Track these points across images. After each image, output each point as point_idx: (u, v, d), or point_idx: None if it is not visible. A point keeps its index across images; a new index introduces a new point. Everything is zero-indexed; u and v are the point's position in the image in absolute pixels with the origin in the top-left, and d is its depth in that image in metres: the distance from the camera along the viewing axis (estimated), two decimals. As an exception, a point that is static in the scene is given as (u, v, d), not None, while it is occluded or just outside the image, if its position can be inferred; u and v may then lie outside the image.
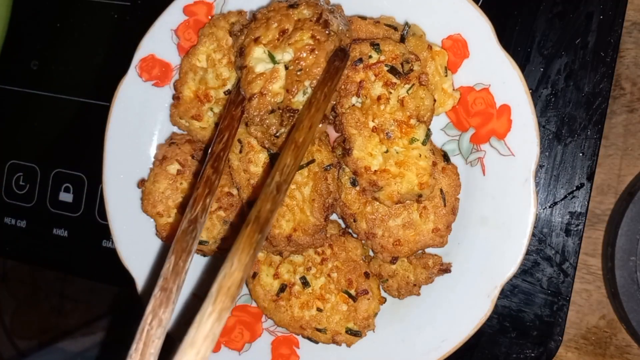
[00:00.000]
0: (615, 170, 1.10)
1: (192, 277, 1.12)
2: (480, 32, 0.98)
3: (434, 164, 0.95)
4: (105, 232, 1.29)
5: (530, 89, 1.02)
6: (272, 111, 0.92)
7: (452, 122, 1.02)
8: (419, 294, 1.02)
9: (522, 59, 1.07)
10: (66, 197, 1.34)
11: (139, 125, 1.14)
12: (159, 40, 1.12)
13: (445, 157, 0.99)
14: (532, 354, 1.07)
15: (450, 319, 1.01)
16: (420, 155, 0.92)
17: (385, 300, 1.03)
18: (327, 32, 0.89)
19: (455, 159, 1.01)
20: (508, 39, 1.07)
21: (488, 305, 0.98)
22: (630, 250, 1.02)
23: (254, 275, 1.03)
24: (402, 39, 0.96)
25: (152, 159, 1.13)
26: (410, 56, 0.92)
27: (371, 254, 1.05)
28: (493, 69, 0.97)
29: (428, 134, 0.92)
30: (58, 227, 1.34)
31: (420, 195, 0.94)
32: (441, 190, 0.98)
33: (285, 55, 0.92)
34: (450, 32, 0.99)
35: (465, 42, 0.98)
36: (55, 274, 2.86)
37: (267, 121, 0.92)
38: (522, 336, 1.07)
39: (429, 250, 1.02)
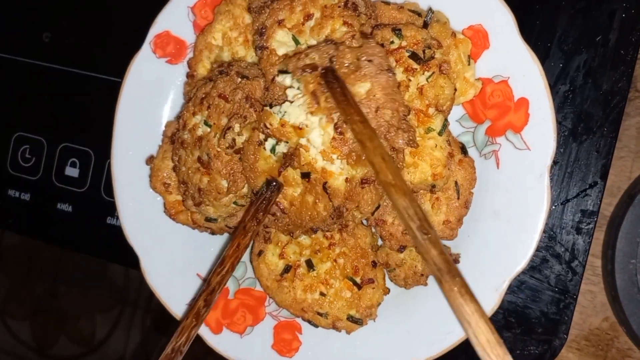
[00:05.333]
0: (627, 172, 1.09)
1: (196, 256, 1.12)
2: (502, 23, 0.97)
3: (451, 155, 0.95)
4: (110, 208, 1.29)
5: (548, 84, 1.01)
6: None
7: (468, 113, 1.02)
8: (426, 284, 1.01)
9: (541, 54, 1.06)
10: (72, 171, 1.33)
11: (150, 101, 1.13)
12: (175, 17, 1.11)
13: (463, 150, 0.98)
14: (536, 351, 1.06)
15: (457, 312, 1.00)
16: (435, 146, 0.92)
17: (389, 291, 1.02)
18: (357, 14, 0.89)
19: (469, 151, 1.01)
20: (529, 33, 1.06)
21: (496, 299, 0.97)
22: (630, 253, 1.01)
23: (260, 253, 1.02)
24: (425, 25, 0.95)
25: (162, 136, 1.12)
26: (432, 42, 0.91)
27: (380, 243, 1.04)
28: (513, 61, 0.97)
29: (445, 125, 0.91)
30: (62, 201, 1.32)
31: (433, 186, 0.93)
32: (456, 183, 0.97)
33: (311, 40, 0.91)
34: (471, 22, 0.98)
35: (486, 33, 0.98)
36: (51, 256, 2.85)
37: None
38: (526, 332, 1.07)
39: (438, 241, 1.01)
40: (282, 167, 0.89)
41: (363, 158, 0.86)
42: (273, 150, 0.90)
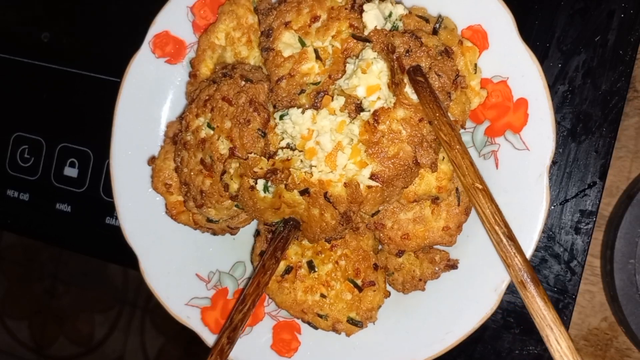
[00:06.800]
0: (625, 172, 1.09)
1: (195, 257, 1.12)
2: (501, 23, 0.97)
3: None
4: (109, 209, 1.29)
5: (547, 85, 1.01)
6: (302, 91, 0.91)
7: (467, 114, 1.02)
8: (423, 289, 1.01)
9: (540, 54, 1.06)
10: (71, 172, 1.33)
11: (149, 101, 1.13)
12: (174, 17, 1.11)
13: None
14: (535, 351, 1.06)
15: (456, 312, 1.00)
16: (443, 159, 0.92)
17: (390, 294, 1.02)
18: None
19: (469, 152, 1.01)
20: (527, 34, 1.06)
21: (495, 299, 0.97)
22: (629, 253, 1.01)
23: (261, 253, 1.02)
24: (434, 32, 0.94)
25: (161, 137, 1.12)
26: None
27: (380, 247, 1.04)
28: (512, 61, 0.97)
29: None
30: (61, 202, 1.32)
31: (437, 198, 0.94)
32: (457, 190, 0.96)
33: (317, 42, 0.92)
34: (470, 23, 0.98)
35: (485, 33, 0.98)
36: (49, 256, 2.85)
37: (297, 102, 0.91)
38: (525, 332, 1.07)
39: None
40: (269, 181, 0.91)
41: (383, 155, 0.86)
42: (266, 189, 0.91)
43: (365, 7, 0.92)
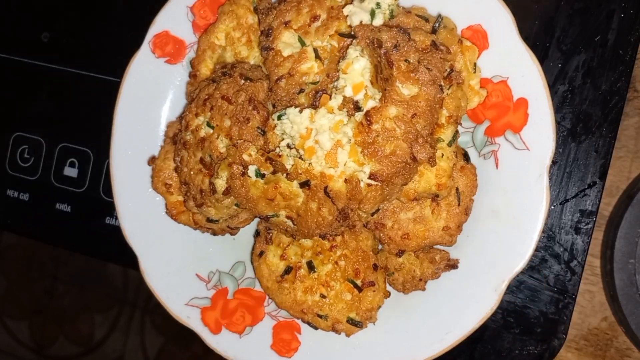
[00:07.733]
0: (625, 172, 1.10)
1: (195, 256, 1.12)
2: (501, 23, 0.97)
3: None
4: (109, 208, 1.29)
5: (547, 85, 1.01)
6: (301, 91, 0.91)
7: (467, 114, 1.02)
8: (424, 289, 1.01)
9: (540, 54, 1.06)
10: (71, 172, 1.33)
11: (149, 101, 1.13)
12: (174, 17, 1.11)
13: (466, 157, 0.98)
14: (535, 351, 1.06)
15: (456, 312, 1.00)
16: (442, 156, 0.92)
17: (390, 294, 1.02)
18: None
19: (469, 152, 1.01)
20: (527, 34, 1.06)
21: (495, 299, 0.98)
22: (629, 252, 1.01)
23: (261, 253, 1.02)
24: (434, 31, 0.94)
25: (161, 137, 1.12)
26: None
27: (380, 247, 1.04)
28: (512, 61, 0.97)
29: (455, 136, 0.92)
30: (61, 201, 1.32)
31: (436, 195, 0.94)
32: (457, 189, 0.97)
33: (317, 41, 0.92)
34: (470, 23, 0.99)
35: (485, 33, 0.98)
36: (49, 256, 2.85)
37: (297, 101, 0.91)
38: (525, 332, 1.07)
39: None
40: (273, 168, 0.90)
41: (379, 154, 0.86)
42: (258, 174, 0.91)
43: (344, 10, 0.92)
